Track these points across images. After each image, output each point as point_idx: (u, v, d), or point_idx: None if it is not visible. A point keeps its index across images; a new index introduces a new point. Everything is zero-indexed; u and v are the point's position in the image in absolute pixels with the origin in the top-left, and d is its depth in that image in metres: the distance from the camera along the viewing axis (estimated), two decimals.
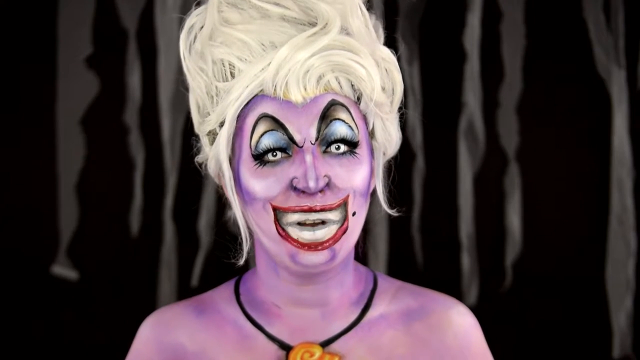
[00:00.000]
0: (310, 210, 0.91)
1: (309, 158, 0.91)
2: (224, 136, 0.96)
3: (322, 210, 0.91)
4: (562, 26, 2.18)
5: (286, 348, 0.99)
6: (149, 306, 2.12)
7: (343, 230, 0.93)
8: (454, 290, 2.19)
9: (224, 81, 0.96)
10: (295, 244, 0.92)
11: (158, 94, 2.17)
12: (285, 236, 0.93)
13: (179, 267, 2.19)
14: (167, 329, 1.03)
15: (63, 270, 2.17)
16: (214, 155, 0.98)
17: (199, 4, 1.01)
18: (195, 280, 2.16)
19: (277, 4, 0.94)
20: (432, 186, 2.19)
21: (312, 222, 0.92)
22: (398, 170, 1.07)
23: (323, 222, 0.92)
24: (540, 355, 2.21)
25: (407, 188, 2.15)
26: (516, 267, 2.20)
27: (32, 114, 2.17)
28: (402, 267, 2.19)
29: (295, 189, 0.91)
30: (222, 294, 1.05)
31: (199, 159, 1.05)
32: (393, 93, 1.00)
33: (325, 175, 0.91)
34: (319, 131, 0.92)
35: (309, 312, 0.99)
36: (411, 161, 2.14)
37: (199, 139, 1.03)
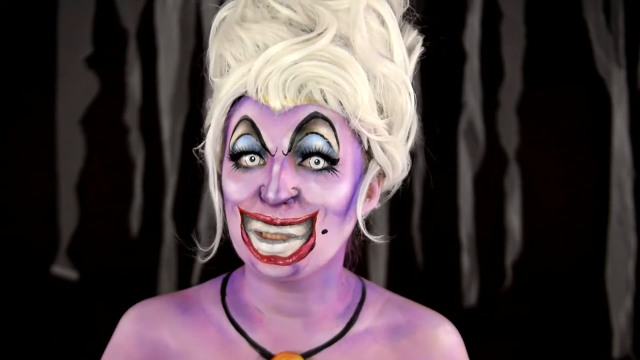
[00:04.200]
0: (271, 222, 0.89)
1: (276, 168, 0.89)
2: (211, 131, 0.95)
3: (282, 224, 0.89)
4: (562, 26, 2.18)
5: (268, 356, 0.97)
6: None
7: (309, 246, 0.90)
8: (454, 290, 2.19)
9: (220, 77, 0.96)
10: (255, 253, 0.91)
11: (158, 94, 2.17)
12: (247, 242, 0.91)
13: (179, 267, 2.19)
14: (149, 324, 1.01)
15: (63, 270, 2.17)
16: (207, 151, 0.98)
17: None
18: (195, 280, 2.16)
19: (287, 6, 0.93)
20: (432, 186, 2.19)
21: (271, 235, 0.90)
22: (405, 184, 1.07)
23: (284, 238, 0.90)
24: (541, 355, 2.21)
25: (407, 188, 2.15)
26: (516, 267, 2.20)
27: (32, 114, 2.17)
28: (402, 267, 2.19)
29: (261, 196, 0.90)
30: (208, 292, 1.04)
31: (202, 153, 1.05)
32: (394, 114, 0.95)
33: (294, 188, 0.89)
34: (292, 143, 0.90)
35: (290, 320, 0.98)
36: (411, 161, 2.14)
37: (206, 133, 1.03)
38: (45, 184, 2.17)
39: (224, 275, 1.06)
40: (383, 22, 0.95)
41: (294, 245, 0.90)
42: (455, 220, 2.21)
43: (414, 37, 1.00)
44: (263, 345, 0.98)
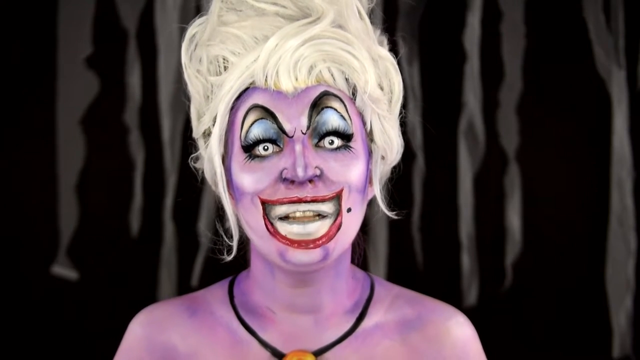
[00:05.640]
0: (300, 200, 0.88)
1: (298, 147, 0.89)
2: (216, 131, 0.94)
3: (313, 201, 0.89)
4: (562, 26, 2.18)
5: (279, 355, 0.97)
6: None
7: (337, 226, 0.90)
8: (454, 290, 2.19)
9: (217, 76, 0.95)
10: (283, 240, 0.89)
11: (158, 94, 2.17)
12: (273, 232, 0.90)
13: (179, 267, 2.19)
14: (158, 328, 1.01)
15: (63, 270, 2.16)
16: (208, 155, 0.97)
17: (198, 6, 1.01)
18: (195, 280, 2.16)
19: (274, 3, 0.94)
20: (432, 186, 2.19)
21: (302, 214, 0.89)
22: (398, 170, 1.07)
23: (316, 215, 0.89)
24: (540, 355, 2.21)
25: (407, 188, 2.15)
26: (516, 267, 2.20)
27: (32, 114, 2.17)
28: (402, 267, 2.19)
29: (284, 180, 0.89)
30: (216, 294, 1.03)
31: (196, 165, 1.04)
32: (391, 93, 0.98)
33: (317, 167, 0.89)
34: (310, 119, 0.90)
35: (302, 318, 0.98)
36: (411, 161, 2.14)
37: (197, 144, 1.02)
38: (45, 184, 2.17)
39: (229, 278, 1.06)
40: (360, 14, 0.97)
41: (326, 224, 0.90)
42: (455, 220, 2.21)
43: (380, 35, 1.02)
44: (274, 345, 0.98)
